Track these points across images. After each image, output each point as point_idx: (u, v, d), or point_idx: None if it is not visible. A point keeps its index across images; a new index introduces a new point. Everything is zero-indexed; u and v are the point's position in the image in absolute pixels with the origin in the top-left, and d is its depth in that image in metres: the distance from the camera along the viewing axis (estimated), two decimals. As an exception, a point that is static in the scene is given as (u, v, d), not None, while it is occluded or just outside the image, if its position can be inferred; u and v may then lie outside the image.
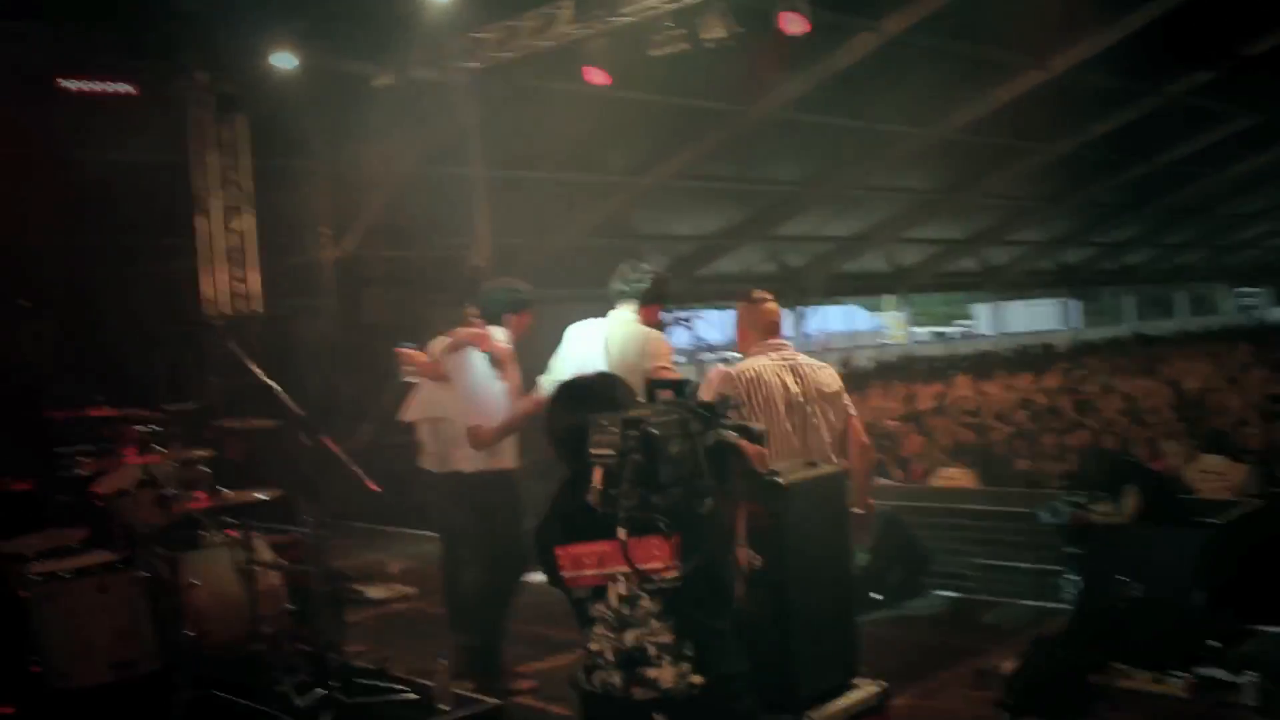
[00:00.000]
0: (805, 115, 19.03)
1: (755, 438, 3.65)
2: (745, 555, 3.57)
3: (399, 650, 7.06)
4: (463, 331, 6.50)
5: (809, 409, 5.37)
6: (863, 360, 29.02)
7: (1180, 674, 6.00)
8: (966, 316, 40.76)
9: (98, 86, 11.84)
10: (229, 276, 12.48)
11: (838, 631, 4.72)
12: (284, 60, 11.61)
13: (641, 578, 3.25)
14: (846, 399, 5.58)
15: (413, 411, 7.07)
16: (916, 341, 37.62)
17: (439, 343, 6.76)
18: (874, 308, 34.98)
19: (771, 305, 5.67)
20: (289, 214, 13.18)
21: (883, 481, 12.11)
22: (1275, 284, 45.07)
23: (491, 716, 5.60)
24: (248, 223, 12.53)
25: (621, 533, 3.21)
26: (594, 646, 3.36)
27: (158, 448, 5.96)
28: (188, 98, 12.32)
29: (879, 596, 7.89)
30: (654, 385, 3.65)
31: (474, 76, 13.02)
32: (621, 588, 3.30)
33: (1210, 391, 14.76)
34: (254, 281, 12.53)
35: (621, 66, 12.42)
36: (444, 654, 5.90)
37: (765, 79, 17.28)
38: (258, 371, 5.95)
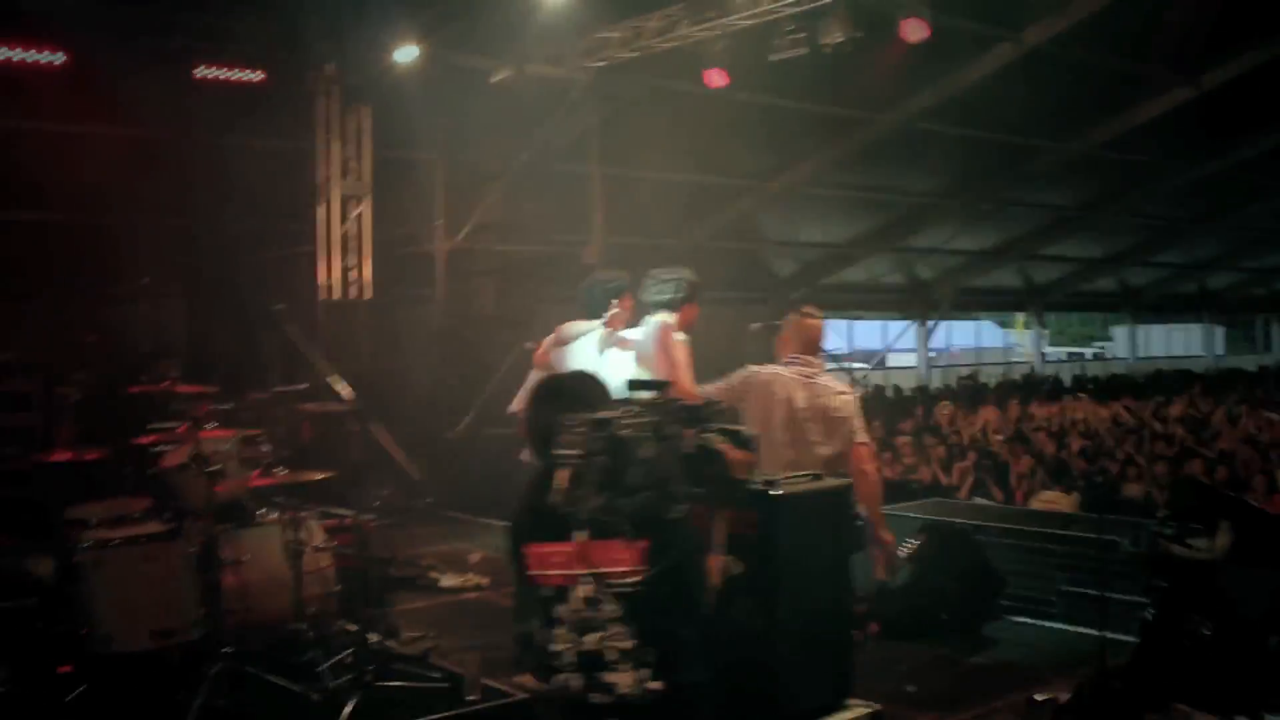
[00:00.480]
0: (939, 125, 18.73)
1: (744, 443, 3.59)
2: (719, 564, 3.50)
3: (458, 638, 7.12)
4: (612, 315, 6.39)
5: (808, 426, 5.39)
6: (986, 376, 28.53)
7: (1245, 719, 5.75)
8: (1105, 338, 39.72)
9: (229, 74, 12.19)
10: (343, 264, 12.75)
11: (829, 649, 4.59)
12: (406, 53, 11.82)
13: (604, 581, 3.22)
14: (857, 426, 5.63)
15: (518, 401, 7.08)
16: (1049, 360, 36.79)
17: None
18: (1007, 324, 34.27)
19: (813, 322, 5.69)
20: (405, 205, 13.42)
21: (979, 501, 11.91)
22: None
23: (519, 710, 5.61)
24: (365, 212, 12.79)
25: (581, 535, 3.18)
26: (556, 647, 3.34)
27: (210, 425, 6.14)
28: (316, 88, 12.62)
29: (946, 617, 7.71)
30: (632, 385, 3.60)
31: (596, 75, 13.10)
32: (586, 590, 3.27)
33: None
34: (367, 270, 12.79)
35: (752, 71, 12.43)
36: (477, 644, 5.93)
37: (892, 86, 17.10)
38: (311, 357, 6.03)
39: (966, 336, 32.01)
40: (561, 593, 3.35)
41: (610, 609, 3.25)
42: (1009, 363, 31.68)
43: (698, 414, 3.52)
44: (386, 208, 13.11)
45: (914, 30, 10.35)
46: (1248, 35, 17.68)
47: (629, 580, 3.21)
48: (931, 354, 34.10)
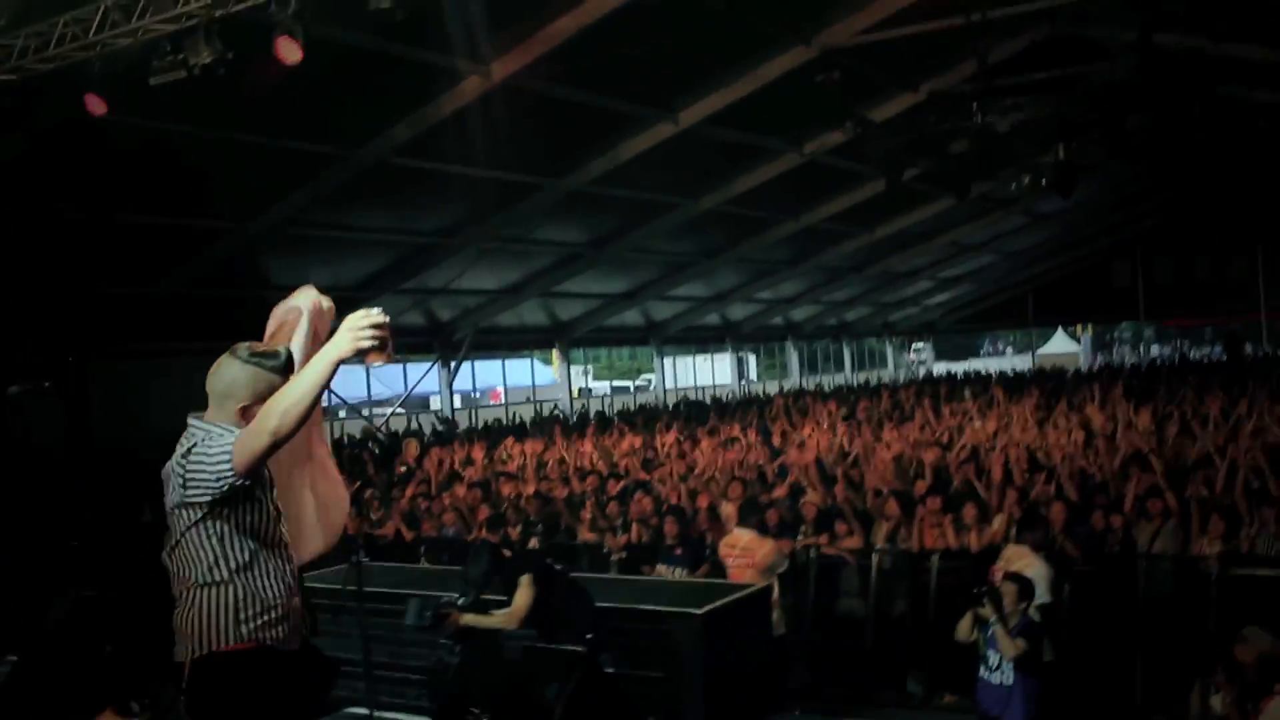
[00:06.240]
0: (424, 162, 18.10)
1: None
2: None
3: None
4: None
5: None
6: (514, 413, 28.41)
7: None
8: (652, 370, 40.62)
9: None
10: None
11: None
12: None
13: None
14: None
15: None
16: (594, 395, 37.27)
17: None
18: (547, 361, 34.31)
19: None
20: None
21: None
22: (938, 339, 47.46)
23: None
24: None
25: None
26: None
27: None
28: None
29: None
30: None
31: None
32: None
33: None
34: None
35: (209, 103, 11.33)
36: None
37: (366, 121, 16.35)
38: None
39: (495, 375, 31.67)
40: None
41: None
42: (537, 401, 31.42)
43: None
44: None
45: (288, 50, 9.48)
46: (721, 72, 18.16)
47: None
48: (476, 394, 33.75)
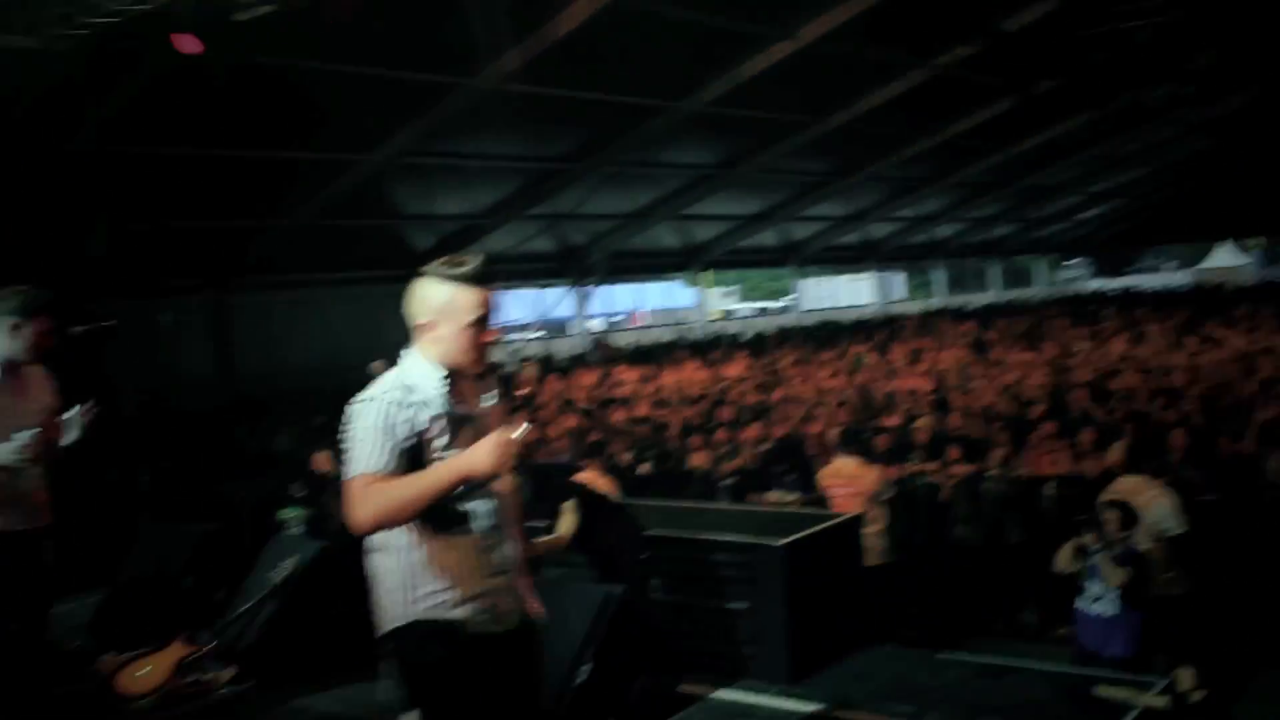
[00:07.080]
0: (538, 88, 17.90)
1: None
2: None
3: None
4: None
5: None
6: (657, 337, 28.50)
7: None
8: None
9: None
10: None
11: None
12: None
13: None
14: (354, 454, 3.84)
15: None
16: (741, 318, 37.05)
17: None
18: (691, 283, 33.97)
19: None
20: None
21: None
22: (1092, 255, 45.66)
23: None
24: None
25: None
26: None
27: None
28: None
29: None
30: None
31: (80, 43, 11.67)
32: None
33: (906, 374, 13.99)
34: None
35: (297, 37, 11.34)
36: None
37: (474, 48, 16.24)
38: None
39: (633, 298, 31.53)
40: None
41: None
42: (678, 324, 31.12)
43: None
44: None
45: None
46: None
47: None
48: (616, 317, 33.83)
